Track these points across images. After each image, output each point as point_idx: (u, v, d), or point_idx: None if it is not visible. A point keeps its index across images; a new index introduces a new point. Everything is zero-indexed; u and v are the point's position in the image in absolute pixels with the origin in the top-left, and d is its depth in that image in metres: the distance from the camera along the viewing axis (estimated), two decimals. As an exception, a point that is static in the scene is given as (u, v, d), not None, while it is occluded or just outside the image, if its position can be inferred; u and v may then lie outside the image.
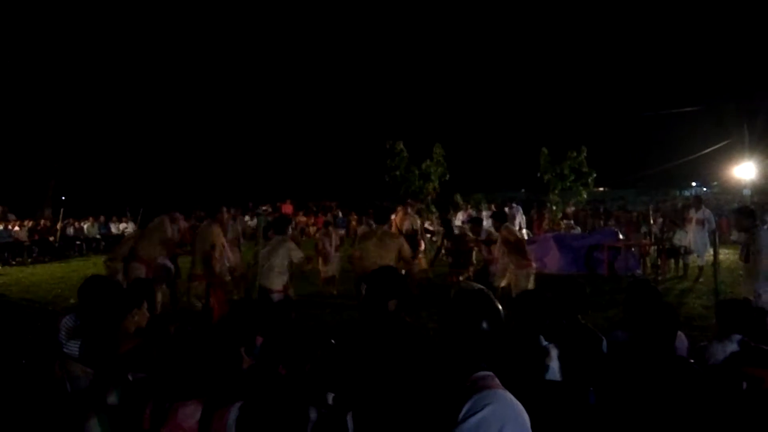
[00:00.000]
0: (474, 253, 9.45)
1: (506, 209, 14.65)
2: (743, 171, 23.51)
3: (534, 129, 38.79)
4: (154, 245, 7.13)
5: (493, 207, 16.85)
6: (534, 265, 7.54)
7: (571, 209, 18.09)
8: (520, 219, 14.88)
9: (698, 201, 12.06)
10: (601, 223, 18.34)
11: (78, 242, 20.01)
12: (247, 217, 20.54)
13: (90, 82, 30.48)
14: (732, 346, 3.12)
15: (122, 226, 21.51)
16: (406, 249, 6.29)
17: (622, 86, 53.26)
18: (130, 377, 2.27)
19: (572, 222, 16.76)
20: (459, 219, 14.11)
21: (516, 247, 7.28)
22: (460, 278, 8.97)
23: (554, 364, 2.78)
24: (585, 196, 17.12)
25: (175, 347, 2.22)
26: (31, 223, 19.81)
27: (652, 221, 13.58)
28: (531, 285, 7.08)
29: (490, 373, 1.69)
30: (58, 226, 18.86)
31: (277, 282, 6.10)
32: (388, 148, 16.59)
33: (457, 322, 1.82)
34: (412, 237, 9.71)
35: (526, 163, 19.19)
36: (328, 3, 56.47)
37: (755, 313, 3.56)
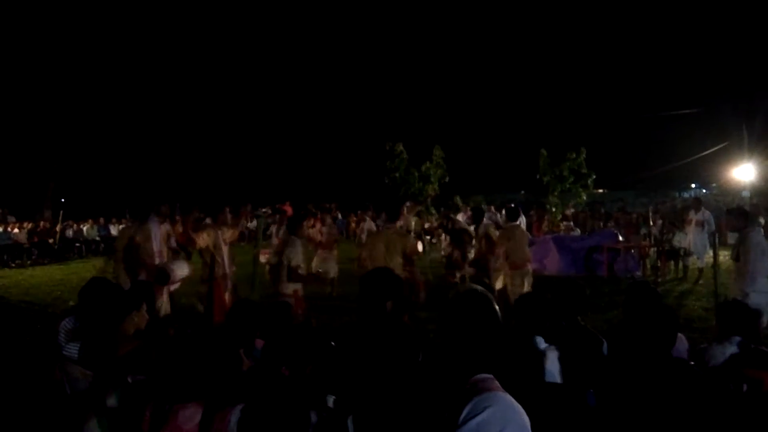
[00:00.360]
0: (471, 252, 9.43)
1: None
2: (742, 172, 23.52)
3: (533, 131, 38.85)
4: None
5: (492, 208, 16.84)
6: (530, 266, 7.52)
7: (570, 211, 18.08)
8: (519, 220, 14.87)
9: (698, 202, 12.07)
10: (601, 224, 18.32)
11: (77, 244, 20.01)
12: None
13: (90, 85, 30.52)
14: (732, 348, 3.12)
15: (122, 227, 21.48)
16: (412, 246, 6.08)
17: (622, 88, 53.30)
18: (130, 379, 2.27)
19: (572, 224, 16.75)
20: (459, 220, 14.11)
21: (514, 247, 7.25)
22: (457, 277, 8.99)
23: (554, 367, 2.78)
24: (584, 197, 17.12)
25: (174, 349, 2.22)
26: (30, 225, 19.82)
27: (651, 223, 13.58)
28: (527, 287, 7.08)
29: (490, 376, 1.70)
30: (58, 228, 18.86)
31: (286, 287, 5.76)
32: (387, 149, 16.59)
33: (455, 324, 1.83)
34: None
35: (526, 165, 19.22)
36: (328, 4, 56.53)
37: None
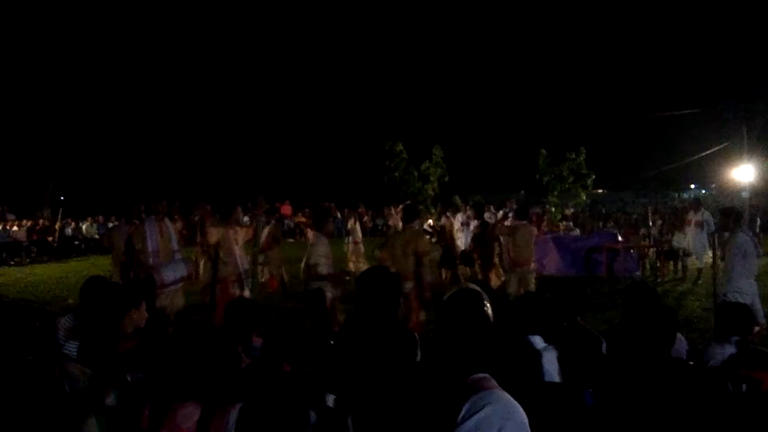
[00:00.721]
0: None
1: (505, 210, 14.64)
2: (742, 173, 23.54)
3: (533, 130, 38.82)
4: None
5: (492, 208, 16.86)
6: (533, 264, 7.60)
7: (570, 211, 18.10)
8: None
9: (697, 203, 12.08)
10: (600, 224, 18.35)
11: (76, 242, 20.02)
12: (246, 219, 20.56)
13: (89, 83, 30.50)
14: (730, 348, 3.13)
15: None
16: (423, 246, 6.05)
17: (621, 88, 53.28)
18: (129, 378, 2.27)
19: (571, 224, 16.77)
20: (458, 221, 14.11)
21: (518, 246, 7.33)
22: (444, 276, 9.02)
23: (553, 366, 2.78)
24: (584, 197, 17.14)
25: (173, 348, 2.22)
26: (29, 223, 19.81)
27: (651, 223, 13.61)
28: (531, 284, 7.17)
29: (487, 375, 1.70)
30: (57, 226, 18.85)
31: (310, 286, 5.64)
32: (387, 149, 16.60)
33: (446, 324, 1.84)
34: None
35: (525, 165, 19.23)
36: (328, 4, 56.54)
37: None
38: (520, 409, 1.63)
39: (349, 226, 12.11)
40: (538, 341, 2.91)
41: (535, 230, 8.08)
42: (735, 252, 5.54)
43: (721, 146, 25.85)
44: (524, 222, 7.68)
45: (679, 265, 11.58)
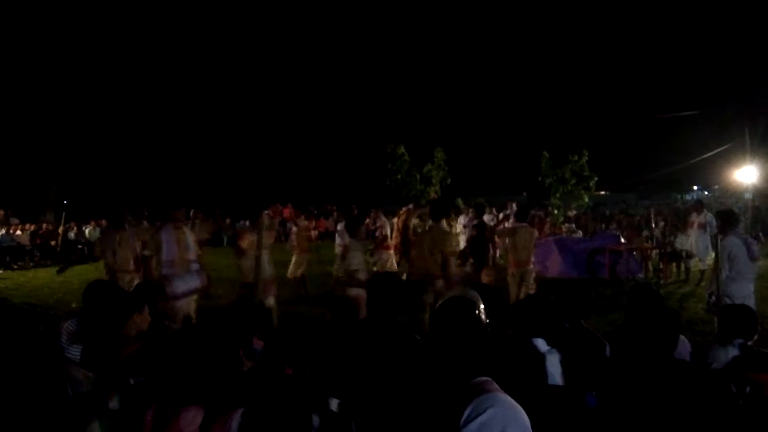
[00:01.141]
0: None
1: (506, 212, 14.62)
2: (744, 174, 23.50)
3: (535, 133, 38.84)
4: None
5: (494, 211, 16.84)
6: (532, 265, 7.70)
7: (572, 213, 18.07)
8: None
9: (699, 205, 12.05)
10: (603, 226, 18.32)
11: (79, 246, 20.03)
12: (247, 222, 20.58)
13: (91, 87, 30.57)
14: (734, 351, 3.12)
15: (123, 233, 21.50)
16: (449, 244, 6.11)
17: (624, 90, 53.30)
18: (132, 381, 2.27)
19: (574, 226, 16.74)
20: (460, 223, 14.09)
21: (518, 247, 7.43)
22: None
23: (556, 369, 2.78)
24: (586, 199, 17.11)
25: (176, 352, 2.22)
26: (33, 227, 19.85)
27: (653, 225, 13.58)
28: (531, 283, 7.33)
29: (489, 378, 1.71)
30: (60, 230, 18.89)
31: (347, 292, 5.63)
32: (389, 151, 16.61)
33: (441, 332, 1.85)
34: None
35: (528, 167, 19.23)
36: (329, 6, 56.62)
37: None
38: (523, 412, 1.63)
39: (339, 228, 12.16)
40: (541, 344, 2.90)
41: (535, 232, 8.11)
42: (722, 255, 5.52)
43: (724, 148, 25.82)
44: (524, 224, 7.77)
45: (682, 266, 11.55)
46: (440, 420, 1.63)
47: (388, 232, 11.10)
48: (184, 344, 2.23)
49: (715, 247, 7.71)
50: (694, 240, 11.22)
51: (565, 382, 2.76)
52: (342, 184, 38.96)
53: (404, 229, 10.44)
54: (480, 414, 1.58)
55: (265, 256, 6.03)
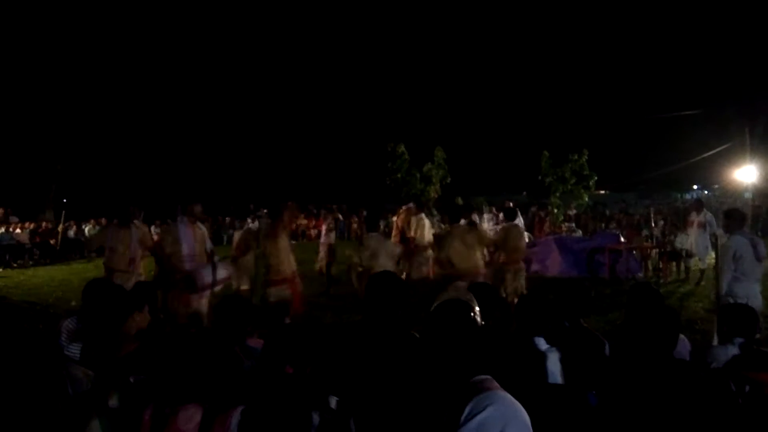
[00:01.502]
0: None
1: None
2: (744, 174, 23.49)
3: (535, 132, 38.85)
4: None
5: (494, 210, 16.85)
6: (522, 264, 7.85)
7: (572, 212, 18.08)
8: (518, 222, 14.84)
9: (699, 204, 12.05)
10: (603, 226, 18.33)
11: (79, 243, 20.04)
12: (249, 220, 20.58)
13: (91, 86, 30.58)
14: (734, 350, 3.12)
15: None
16: (485, 237, 6.49)
17: (624, 89, 53.30)
18: (132, 380, 2.27)
19: (574, 225, 16.75)
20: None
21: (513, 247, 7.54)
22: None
23: (556, 368, 2.78)
24: (586, 199, 17.12)
25: (173, 350, 2.22)
26: (32, 226, 19.85)
27: (653, 224, 13.59)
28: (521, 281, 7.48)
29: (489, 377, 1.71)
30: (60, 228, 18.89)
31: None
32: (389, 150, 16.61)
33: (436, 334, 1.86)
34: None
35: (528, 166, 19.25)
36: (329, 6, 56.60)
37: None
38: (523, 410, 1.64)
39: (325, 227, 12.13)
40: (541, 343, 2.90)
41: (522, 230, 8.20)
42: (726, 255, 5.49)
43: (724, 147, 25.80)
44: (514, 223, 7.96)
45: (682, 266, 11.55)
46: (440, 417, 1.64)
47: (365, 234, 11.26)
48: (181, 343, 2.23)
49: (714, 246, 7.72)
50: (693, 239, 11.21)
51: (565, 380, 2.76)
52: (342, 184, 38.98)
53: (404, 228, 10.44)
54: (480, 412, 1.58)
55: (288, 251, 6.17)
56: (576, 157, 16.29)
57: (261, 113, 47.46)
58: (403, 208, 11.22)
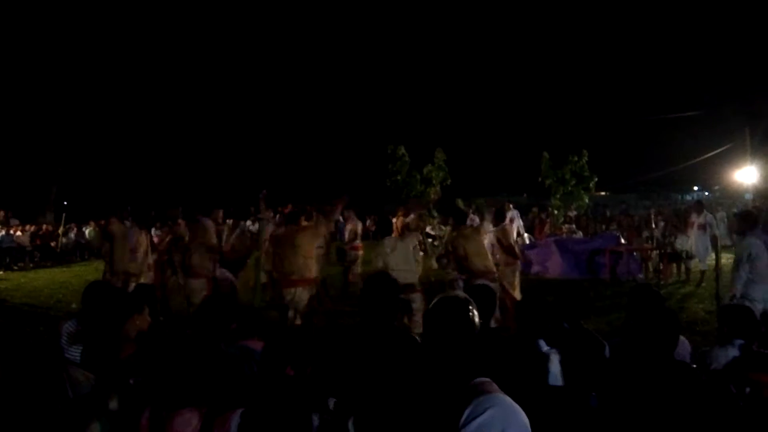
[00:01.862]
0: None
1: (506, 212, 14.60)
2: (745, 175, 23.48)
3: (535, 133, 38.83)
4: (204, 256, 6.66)
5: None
6: (519, 263, 8.09)
7: (572, 213, 18.07)
8: (518, 224, 14.85)
9: (699, 205, 12.04)
10: (603, 227, 18.31)
11: (80, 246, 20.05)
12: (249, 222, 20.57)
13: (91, 88, 30.61)
14: (734, 351, 3.12)
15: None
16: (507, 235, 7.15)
17: (624, 90, 53.33)
18: (132, 382, 2.27)
19: (574, 226, 16.73)
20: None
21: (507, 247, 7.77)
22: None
23: (556, 370, 2.77)
24: (586, 200, 17.11)
25: (170, 353, 2.22)
26: (33, 228, 19.84)
27: (653, 225, 13.56)
28: (517, 281, 7.64)
29: (488, 379, 1.71)
30: (60, 230, 18.89)
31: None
32: (389, 152, 16.63)
33: (434, 332, 1.85)
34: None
35: (528, 168, 19.26)
36: (329, 7, 56.66)
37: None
38: (522, 413, 1.63)
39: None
40: (541, 345, 2.91)
41: (508, 231, 8.28)
42: (741, 256, 5.43)
43: (724, 148, 25.79)
44: (504, 224, 8.11)
45: (682, 267, 11.54)
46: (440, 421, 1.63)
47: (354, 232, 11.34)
48: (176, 345, 2.23)
49: (714, 247, 7.72)
50: (694, 240, 11.20)
51: (565, 382, 2.76)
52: (342, 185, 38.94)
53: (403, 230, 10.48)
54: (479, 415, 1.58)
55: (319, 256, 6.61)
56: (576, 158, 16.30)
57: (261, 115, 47.50)
58: (402, 209, 11.24)
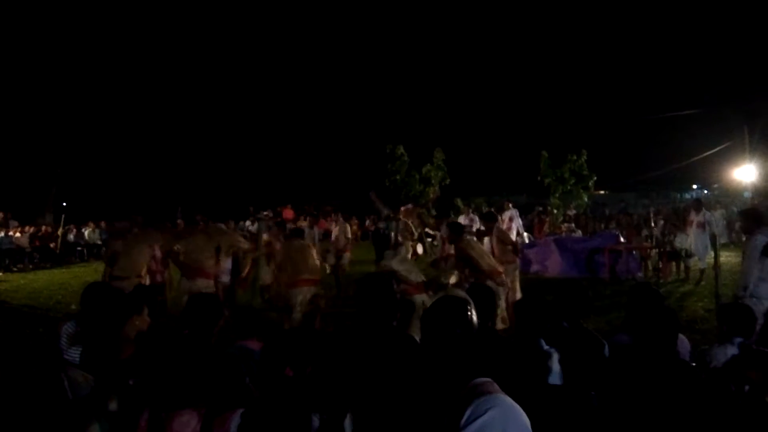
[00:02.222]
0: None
1: (505, 211, 14.60)
2: (744, 173, 23.50)
3: (534, 132, 38.82)
4: (208, 255, 6.68)
5: (492, 210, 16.85)
6: (518, 262, 8.24)
7: (572, 212, 18.08)
8: (517, 223, 14.84)
9: (698, 204, 12.04)
10: (602, 226, 18.31)
11: (79, 248, 20.01)
12: (248, 222, 20.58)
13: (91, 89, 30.59)
14: (733, 350, 3.12)
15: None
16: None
17: (623, 89, 53.35)
18: (131, 383, 2.27)
19: (573, 225, 16.73)
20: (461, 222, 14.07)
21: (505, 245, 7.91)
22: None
23: (555, 369, 2.78)
24: (585, 199, 17.12)
25: (169, 353, 2.22)
26: (32, 230, 19.81)
27: (653, 224, 13.57)
28: (517, 279, 7.83)
29: (489, 379, 1.71)
30: (59, 232, 18.85)
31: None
32: (388, 152, 16.64)
33: (431, 331, 1.85)
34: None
35: (527, 167, 19.26)
36: (329, 7, 56.63)
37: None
38: (522, 413, 1.63)
39: (337, 229, 12.18)
40: (541, 344, 2.91)
41: (497, 230, 8.34)
42: (750, 255, 5.40)
43: (723, 146, 25.81)
44: (494, 224, 8.25)
45: (682, 266, 11.54)
46: (441, 421, 1.63)
47: (343, 235, 11.52)
48: (174, 345, 2.23)
49: (713, 246, 7.71)
50: (693, 239, 11.21)
51: (564, 381, 2.76)
52: (341, 185, 38.94)
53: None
54: (480, 415, 1.58)
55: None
56: (575, 157, 16.31)
57: (260, 115, 47.49)
58: (402, 209, 11.24)
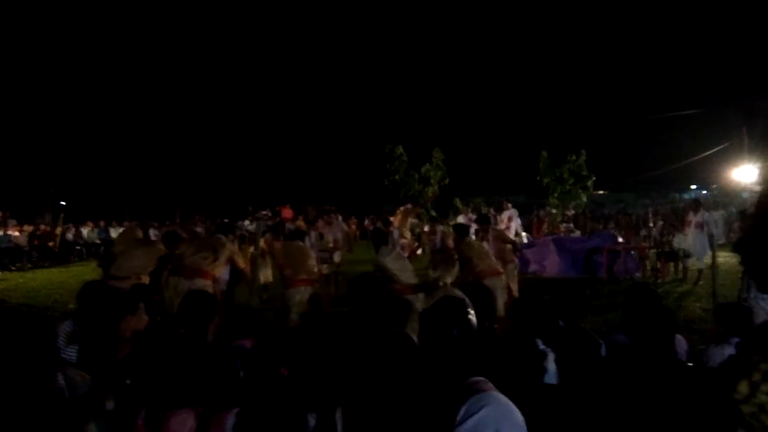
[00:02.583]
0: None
1: (504, 211, 14.59)
2: (742, 173, 23.52)
3: (533, 132, 38.84)
4: (205, 255, 6.58)
5: (491, 210, 16.87)
6: (516, 261, 8.36)
7: (570, 212, 18.10)
8: (516, 223, 14.83)
9: (696, 204, 12.05)
10: (601, 226, 18.34)
11: (77, 247, 19.99)
12: (247, 222, 20.57)
13: (90, 89, 30.56)
14: (730, 350, 3.12)
15: (122, 230, 21.40)
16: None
17: (622, 89, 53.38)
18: (128, 382, 2.27)
19: (572, 225, 16.75)
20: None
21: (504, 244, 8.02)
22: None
23: (551, 368, 2.78)
24: (584, 199, 17.13)
25: (165, 353, 2.22)
26: (30, 228, 19.79)
27: (651, 224, 13.60)
28: (515, 279, 7.91)
29: (483, 378, 1.71)
30: (58, 231, 18.83)
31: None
32: (387, 152, 16.65)
33: (430, 332, 1.86)
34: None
35: (526, 167, 19.27)
36: (328, 8, 56.62)
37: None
38: (517, 411, 1.64)
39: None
40: (537, 343, 2.91)
41: (492, 231, 8.39)
42: None
43: (722, 147, 25.83)
44: (487, 225, 8.34)
45: (680, 266, 11.56)
46: (435, 419, 1.64)
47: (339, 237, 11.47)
48: (170, 344, 2.23)
49: (712, 246, 7.72)
50: (691, 239, 11.22)
51: (560, 381, 2.76)
52: (340, 185, 38.93)
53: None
54: (475, 413, 1.58)
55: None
56: (574, 157, 16.32)
57: (259, 115, 47.46)
58: (401, 208, 11.27)
